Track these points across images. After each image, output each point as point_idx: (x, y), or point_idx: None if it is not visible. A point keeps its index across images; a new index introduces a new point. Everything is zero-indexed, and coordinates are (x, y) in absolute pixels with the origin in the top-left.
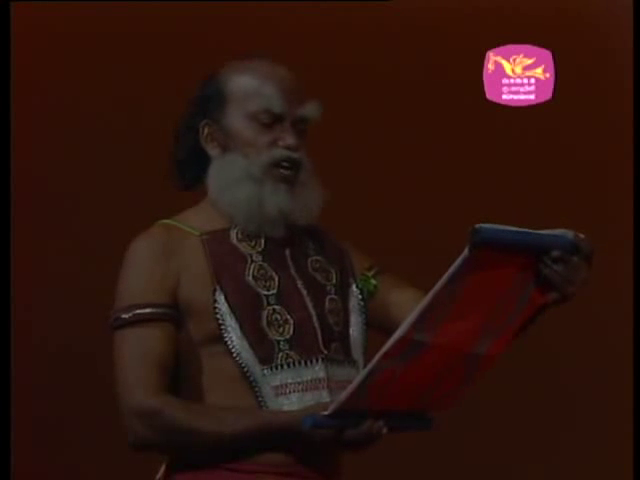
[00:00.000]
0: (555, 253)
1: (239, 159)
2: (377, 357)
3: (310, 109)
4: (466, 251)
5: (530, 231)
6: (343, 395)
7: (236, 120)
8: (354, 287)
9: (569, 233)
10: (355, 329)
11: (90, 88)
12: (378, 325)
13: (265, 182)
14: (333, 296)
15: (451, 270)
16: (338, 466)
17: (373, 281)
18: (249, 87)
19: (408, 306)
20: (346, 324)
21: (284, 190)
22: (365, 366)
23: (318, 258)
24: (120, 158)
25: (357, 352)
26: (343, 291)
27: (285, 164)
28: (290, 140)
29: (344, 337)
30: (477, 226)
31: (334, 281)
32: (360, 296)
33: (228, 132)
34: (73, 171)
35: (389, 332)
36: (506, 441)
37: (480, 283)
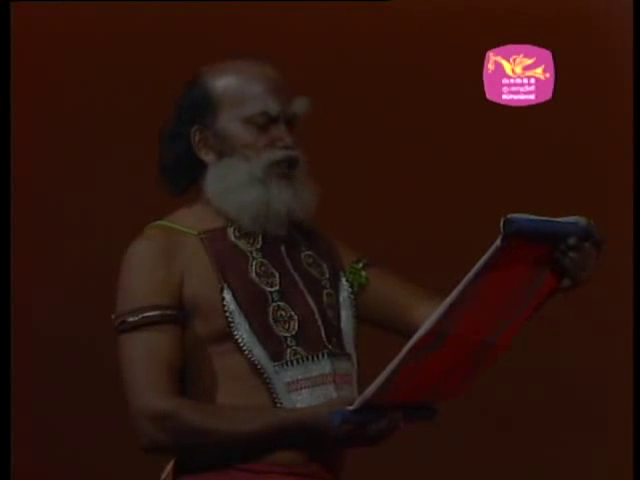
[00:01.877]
0: (571, 240)
1: (240, 163)
2: (404, 351)
3: (300, 105)
4: (498, 242)
5: (552, 219)
6: (369, 390)
7: (231, 125)
8: (344, 281)
9: (582, 220)
10: (345, 323)
11: (90, 88)
12: (369, 318)
13: (269, 183)
14: (329, 290)
15: (482, 261)
16: (342, 464)
17: (364, 273)
18: (239, 90)
19: (400, 298)
20: (338, 318)
21: (286, 188)
22: (358, 360)
23: (310, 253)
24: (120, 158)
25: (349, 346)
26: (334, 285)
27: (284, 163)
28: (288, 140)
29: (338, 331)
30: (510, 216)
31: (327, 275)
32: (350, 289)
33: (223, 137)
34: (73, 171)
35: (380, 325)
36: (506, 441)
37: (502, 273)
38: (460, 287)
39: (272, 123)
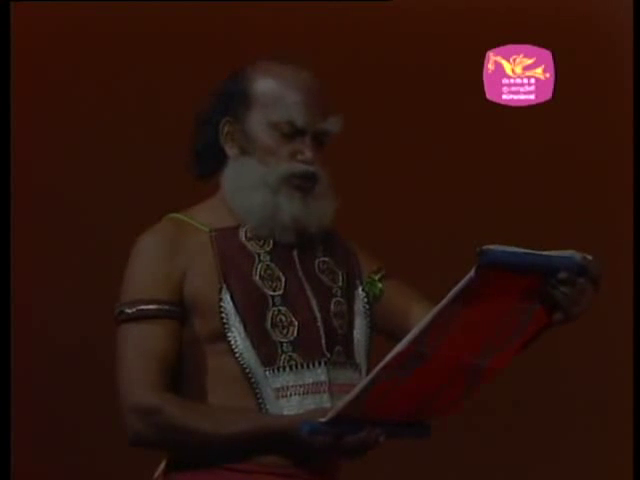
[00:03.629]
0: (562, 275)
1: (257, 166)
2: (378, 368)
3: (332, 123)
4: (472, 272)
5: (537, 252)
6: (341, 403)
7: (258, 126)
8: (360, 290)
9: (577, 255)
10: (359, 332)
11: (90, 88)
12: (381, 329)
13: (280, 191)
14: (339, 298)
15: (456, 289)
16: (336, 467)
17: (379, 284)
18: (274, 94)
19: (412, 313)
20: (350, 327)
21: (298, 198)
22: (368, 370)
23: (325, 259)
24: (120, 157)
25: (360, 355)
26: (349, 293)
27: (302, 177)
28: (308, 154)
29: (348, 340)
30: (484, 248)
31: (340, 283)
32: (366, 299)
33: (248, 136)
34: (73, 170)
35: (392, 336)
36: (506, 442)
37: (484, 301)
38: (434, 312)
39: (298, 135)
